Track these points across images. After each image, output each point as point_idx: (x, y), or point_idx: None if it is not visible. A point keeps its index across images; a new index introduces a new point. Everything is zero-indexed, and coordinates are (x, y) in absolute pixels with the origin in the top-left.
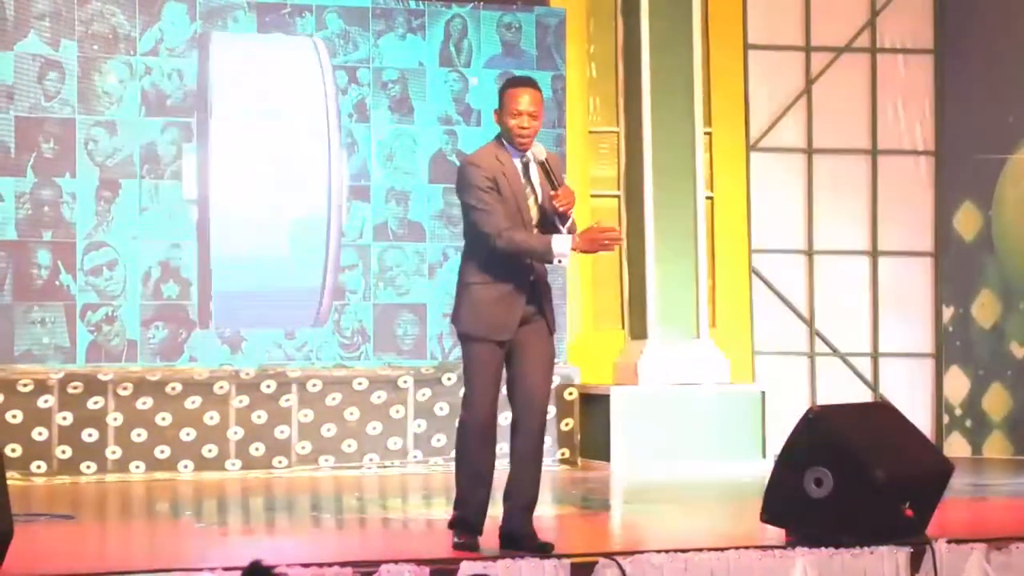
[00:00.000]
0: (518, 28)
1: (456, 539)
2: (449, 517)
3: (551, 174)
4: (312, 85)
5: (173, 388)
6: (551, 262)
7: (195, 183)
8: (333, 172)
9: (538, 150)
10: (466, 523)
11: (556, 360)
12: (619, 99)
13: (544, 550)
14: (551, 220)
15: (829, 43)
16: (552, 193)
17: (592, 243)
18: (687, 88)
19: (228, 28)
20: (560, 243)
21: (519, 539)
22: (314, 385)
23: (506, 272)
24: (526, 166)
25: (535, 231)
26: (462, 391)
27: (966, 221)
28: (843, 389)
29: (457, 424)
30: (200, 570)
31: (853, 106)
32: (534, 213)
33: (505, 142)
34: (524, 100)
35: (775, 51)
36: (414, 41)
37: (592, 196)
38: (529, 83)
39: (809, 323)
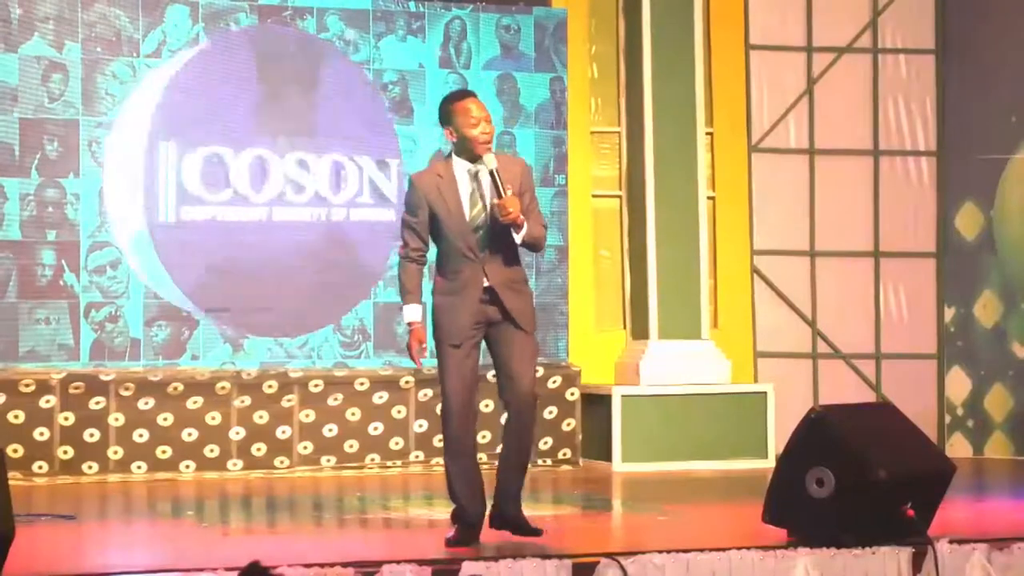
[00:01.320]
0: (517, 30)
1: (448, 536)
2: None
3: (497, 183)
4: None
5: (175, 388)
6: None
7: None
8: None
9: (488, 159)
10: (462, 517)
11: (559, 360)
12: (620, 99)
13: (536, 534)
14: (501, 226)
15: (831, 43)
16: (494, 202)
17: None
18: (689, 88)
19: (230, 30)
20: (410, 312)
21: (511, 523)
22: (316, 385)
23: (456, 282)
24: (475, 175)
25: (478, 235)
26: None
27: (968, 221)
28: (845, 390)
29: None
30: (201, 570)
31: (855, 106)
32: (480, 219)
33: (456, 154)
34: (475, 108)
35: (777, 51)
36: (414, 43)
37: (593, 196)
38: (471, 93)
39: (811, 324)
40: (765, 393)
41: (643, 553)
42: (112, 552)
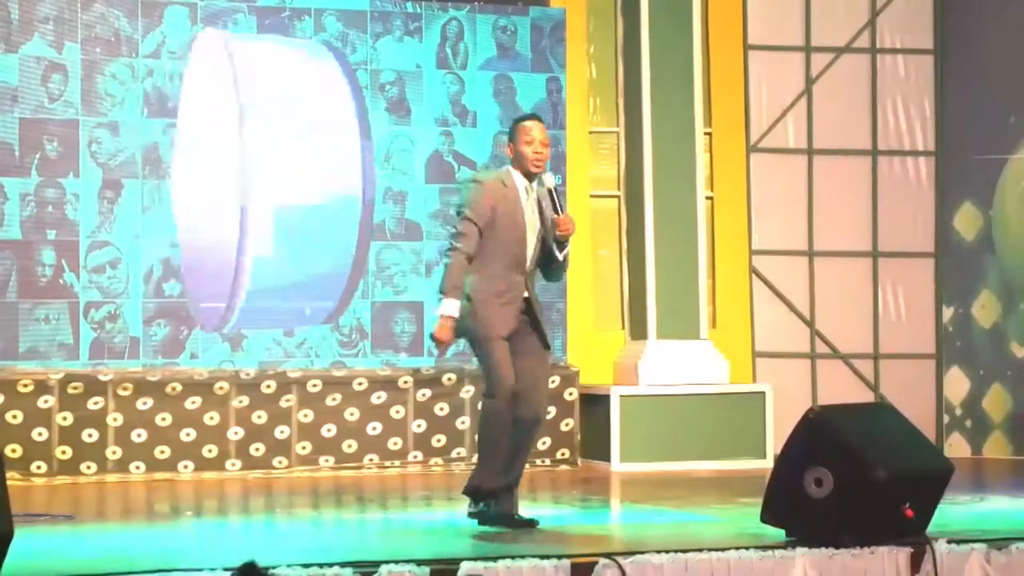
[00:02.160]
0: (513, 31)
1: (470, 508)
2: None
3: (555, 201)
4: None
5: (173, 388)
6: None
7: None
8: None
9: (547, 177)
10: (482, 491)
11: (558, 360)
12: (619, 99)
13: (533, 523)
14: (550, 243)
15: (829, 43)
16: (554, 218)
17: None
18: (687, 88)
19: (228, 31)
20: (450, 306)
21: (509, 517)
22: (314, 385)
23: (498, 286)
24: (528, 192)
25: (530, 250)
26: (462, 391)
27: (966, 221)
28: (844, 390)
29: (480, 407)
30: (200, 570)
31: (853, 106)
32: (531, 232)
33: (514, 170)
34: (536, 130)
35: (775, 51)
36: (411, 43)
37: (592, 196)
38: (538, 117)
39: (810, 324)
40: (763, 393)
41: (642, 553)
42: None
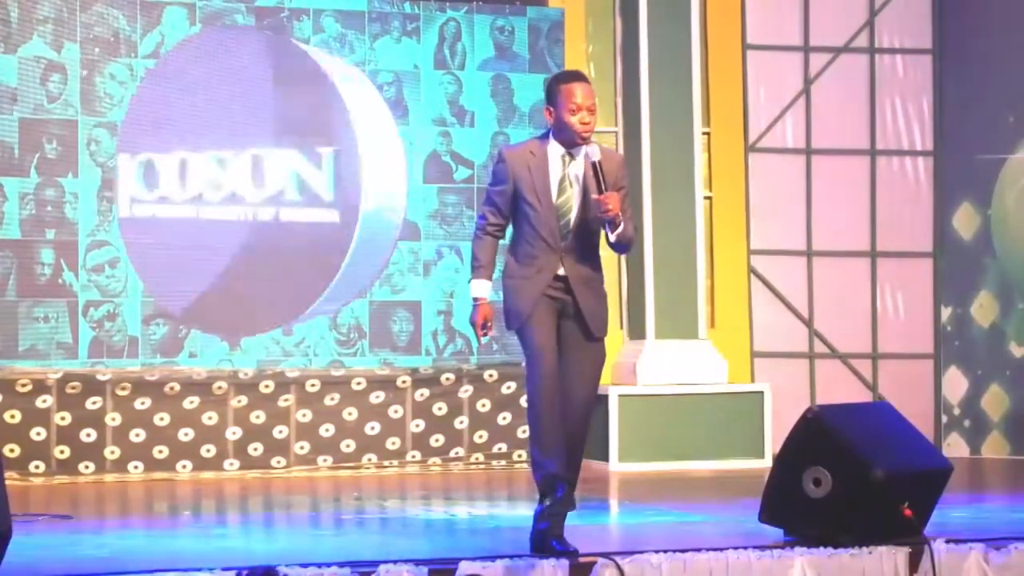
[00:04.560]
0: (511, 31)
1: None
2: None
3: (599, 177)
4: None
5: (171, 388)
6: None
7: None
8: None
9: (593, 150)
10: (549, 484)
11: None
12: (617, 99)
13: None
14: (593, 220)
15: (828, 43)
16: (594, 198)
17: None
18: (686, 88)
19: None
20: (478, 287)
21: (546, 540)
22: (312, 385)
23: (530, 267)
24: (566, 161)
25: (562, 223)
26: (461, 391)
27: (965, 221)
28: (842, 389)
29: (526, 403)
30: (199, 570)
31: (852, 106)
32: (573, 206)
33: (553, 136)
34: (581, 94)
35: (774, 51)
36: (409, 44)
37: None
38: (582, 76)
39: (808, 323)
40: (762, 393)
41: (640, 553)
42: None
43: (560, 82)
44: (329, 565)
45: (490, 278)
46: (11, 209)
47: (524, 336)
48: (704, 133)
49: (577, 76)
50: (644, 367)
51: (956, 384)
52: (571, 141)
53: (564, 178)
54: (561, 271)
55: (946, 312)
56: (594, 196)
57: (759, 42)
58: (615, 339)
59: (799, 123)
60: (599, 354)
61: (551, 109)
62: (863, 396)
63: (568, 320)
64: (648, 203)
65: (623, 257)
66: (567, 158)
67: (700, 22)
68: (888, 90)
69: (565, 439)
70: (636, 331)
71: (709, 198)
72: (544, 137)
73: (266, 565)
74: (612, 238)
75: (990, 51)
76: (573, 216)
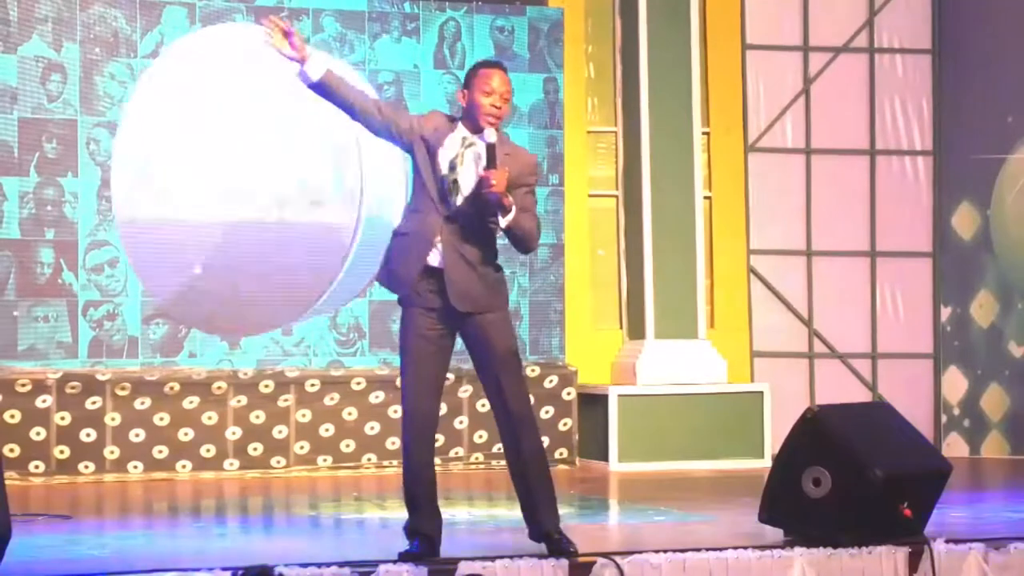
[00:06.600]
0: (511, 31)
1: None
2: None
3: (491, 158)
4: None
5: (171, 388)
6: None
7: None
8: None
9: (489, 132)
10: (415, 529)
11: (556, 360)
12: (617, 99)
13: (567, 554)
14: (481, 202)
15: (827, 43)
16: (480, 173)
17: None
18: (685, 88)
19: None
20: (313, 67)
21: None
22: (312, 385)
23: (412, 221)
24: (465, 142)
25: (449, 189)
26: (460, 391)
27: (964, 221)
28: (842, 389)
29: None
30: (198, 570)
31: (851, 106)
32: (461, 184)
33: (462, 120)
34: (497, 80)
35: (773, 51)
36: (409, 44)
37: (590, 196)
38: (502, 66)
39: (807, 323)
40: (761, 393)
41: (640, 553)
42: (109, 552)
43: (480, 67)
44: (328, 565)
45: (324, 66)
46: (11, 209)
47: (403, 374)
48: (704, 133)
49: (497, 64)
50: (644, 367)
51: (956, 384)
52: (477, 124)
53: (458, 156)
54: (438, 239)
55: (946, 312)
56: (480, 172)
57: (759, 42)
58: (615, 339)
59: (799, 123)
60: (505, 334)
61: (465, 92)
62: (863, 396)
63: (455, 335)
64: (648, 203)
65: (623, 257)
66: (467, 140)
67: (700, 22)
68: (888, 90)
69: (518, 466)
70: (636, 331)
71: (709, 198)
72: (454, 119)
73: (266, 565)
74: (503, 223)
75: (990, 51)
76: (461, 197)
